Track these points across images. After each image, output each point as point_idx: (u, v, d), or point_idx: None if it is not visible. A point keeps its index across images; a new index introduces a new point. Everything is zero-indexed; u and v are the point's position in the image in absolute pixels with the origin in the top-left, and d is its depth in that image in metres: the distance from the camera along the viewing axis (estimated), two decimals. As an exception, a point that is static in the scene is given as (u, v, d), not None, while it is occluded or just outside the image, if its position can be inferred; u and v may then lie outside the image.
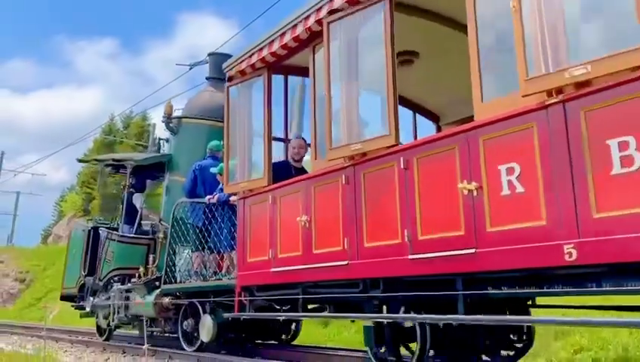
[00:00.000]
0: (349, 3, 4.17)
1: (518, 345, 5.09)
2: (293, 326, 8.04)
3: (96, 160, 10.79)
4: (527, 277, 3.09)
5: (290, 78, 5.89)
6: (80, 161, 11.03)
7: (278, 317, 5.03)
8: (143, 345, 4.60)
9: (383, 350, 4.32)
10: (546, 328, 5.94)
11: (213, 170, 6.95)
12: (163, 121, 8.93)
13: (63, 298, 12.01)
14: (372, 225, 3.88)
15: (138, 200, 9.63)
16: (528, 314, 4.55)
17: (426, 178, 3.53)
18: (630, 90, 2.56)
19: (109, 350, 7.81)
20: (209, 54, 9.60)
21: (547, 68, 2.85)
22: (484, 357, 4.48)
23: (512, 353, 4.51)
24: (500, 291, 3.22)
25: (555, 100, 2.84)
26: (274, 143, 5.47)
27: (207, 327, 6.75)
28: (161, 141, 9.87)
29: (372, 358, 4.39)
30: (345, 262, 4.02)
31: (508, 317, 4.11)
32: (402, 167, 3.67)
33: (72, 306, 11.32)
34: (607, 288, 2.73)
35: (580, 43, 2.79)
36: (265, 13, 9.71)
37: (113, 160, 10.03)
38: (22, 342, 9.95)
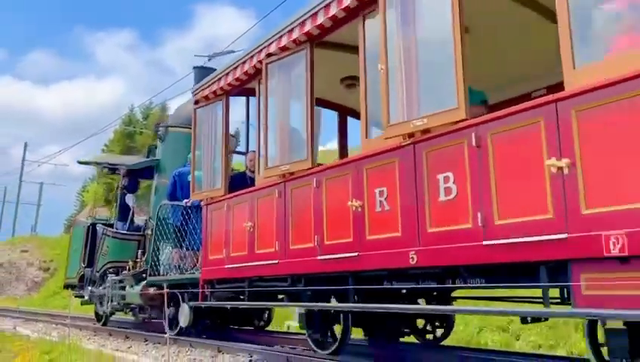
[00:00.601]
0: (281, 49, 5.10)
1: (439, 331, 6.09)
2: (265, 315, 9.08)
3: (95, 163, 11.81)
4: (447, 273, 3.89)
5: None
6: (80, 162, 11.95)
7: (226, 306, 6.00)
8: (138, 330, 5.65)
9: (313, 331, 5.32)
10: (566, 320, 6.41)
11: (189, 177, 7.93)
12: (154, 130, 9.90)
13: (66, 287, 13.19)
14: (295, 231, 4.84)
15: (130, 199, 10.67)
16: (450, 304, 5.46)
17: (332, 196, 4.47)
18: (450, 138, 3.49)
19: (131, 338, 7.95)
20: (194, 67, 10.53)
21: (403, 117, 3.77)
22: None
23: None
24: (381, 286, 4.16)
25: (407, 142, 3.77)
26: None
27: (184, 314, 7.75)
28: (152, 147, 10.83)
29: (309, 339, 5.39)
30: (275, 261, 4.98)
31: (409, 306, 5.04)
32: (314, 186, 4.62)
33: (73, 294, 12.47)
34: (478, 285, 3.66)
35: (424, 101, 3.70)
36: (282, 3, 10.07)
37: (108, 163, 11.08)
38: (47, 330, 10.04)
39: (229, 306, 6.18)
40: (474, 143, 3.36)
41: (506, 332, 7.59)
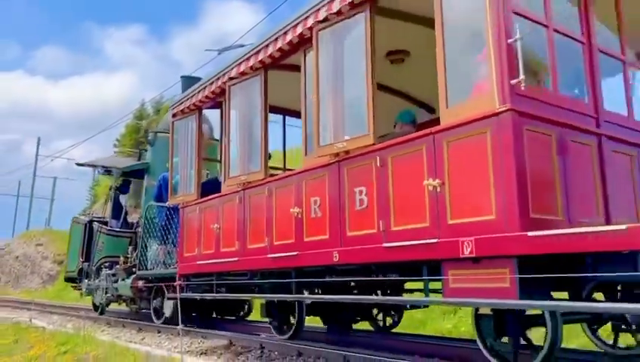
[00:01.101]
0: (241, 74, 5.86)
1: (390, 319, 6.88)
2: (246, 306, 9.91)
3: (90, 165, 12.64)
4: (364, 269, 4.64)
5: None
6: (78, 164, 12.77)
7: (195, 297, 6.80)
8: (133, 320, 6.42)
9: (273, 320, 6.12)
10: None
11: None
12: (144, 137, 10.68)
13: (67, 280, 14.10)
14: (252, 232, 5.61)
15: (123, 199, 11.51)
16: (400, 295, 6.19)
17: (280, 203, 5.24)
18: (363, 159, 4.26)
19: (144, 330, 8.06)
20: (181, 77, 11.29)
21: (330, 140, 4.53)
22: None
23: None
24: (314, 279, 4.94)
25: (334, 161, 4.53)
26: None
27: (168, 305, 8.61)
28: (142, 151, 11.64)
29: (271, 327, 6.20)
30: (236, 259, 5.77)
31: (357, 296, 5.80)
32: (267, 194, 5.40)
33: (72, 286, 13.35)
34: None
35: (345, 127, 4.46)
36: (289, -1, 10.51)
37: (103, 166, 11.91)
38: (62, 322, 10.25)
39: (198, 297, 6.93)
40: (379, 164, 4.12)
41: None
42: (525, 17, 3.55)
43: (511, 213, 3.18)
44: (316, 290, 5.70)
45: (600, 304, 3.55)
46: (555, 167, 3.44)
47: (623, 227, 2.66)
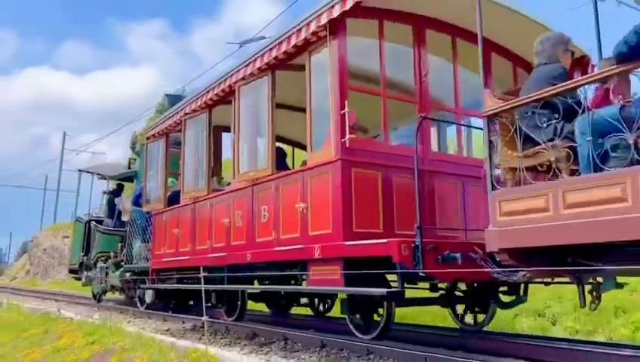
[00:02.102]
0: (194, 110, 7.44)
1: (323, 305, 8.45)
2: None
3: (89, 171, 14.37)
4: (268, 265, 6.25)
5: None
6: (79, 171, 14.45)
7: (159, 288, 8.44)
8: (121, 306, 7.98)
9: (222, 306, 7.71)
10: (606, 305, 5.96)
11: (152, 188, 10.38)
12: (131, 147, 12.33)
13: (70, 271, 15.89)
14: (199, 236, 7.21)
15: (117, 201, 13.21)
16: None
17: (217, 214, 6.83)
18: (265, 185, 5.83)
19: (169, 321, 8.23)
20: (166, 95, 12.89)
21: (247, 169, 6.11)
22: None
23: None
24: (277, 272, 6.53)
25: (250, 185, 6.10)
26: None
27: (148, 294, 10.26)
28: (131, 160, 13.31)
29: (222, 311, 7.80)
30: (189, 257, 7.37)
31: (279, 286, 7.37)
32: (209, 207, 7.00)
33: (73, 277, 15.11)
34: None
35: (256, 160, 6.02)
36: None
37: (98, 173, 13.64)
38: (89, 312, 10.35)
39: (162, 288, 8.58)
40: (274, 189, 5.69)
41: (543, 317, 7.33)
42: (360, 91, 5.10)
43: (338, 228, 4.74)
44: (254, 282, 7.27)
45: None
46: (379, 196, 4.96)
47: (384, 240, 4.22)
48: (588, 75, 3.40)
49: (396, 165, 5.09)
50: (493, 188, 3.64)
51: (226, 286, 6.54)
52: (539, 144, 3.48)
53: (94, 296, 13.52)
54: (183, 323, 7.97)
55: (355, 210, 4.81)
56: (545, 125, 3.38)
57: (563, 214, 3.17)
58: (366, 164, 4.94)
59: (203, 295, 5.54)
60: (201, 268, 5.71)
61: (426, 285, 5.70)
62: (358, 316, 5.11)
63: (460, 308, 6.30)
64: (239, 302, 7.27)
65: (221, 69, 7.08)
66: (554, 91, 3.31)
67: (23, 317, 9.74)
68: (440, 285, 5.86)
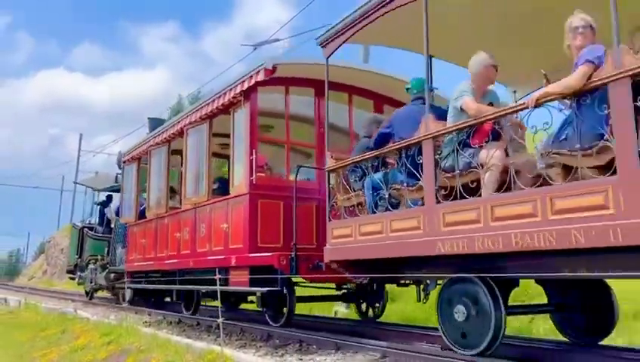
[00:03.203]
0: (157, 143, 9.18)
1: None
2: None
3: (83, 184, 16.21)
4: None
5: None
6: (74, 183, 16.30)
7: (130, 287, 10.20)
8: (115, 304, 9.66)
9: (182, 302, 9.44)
10: (624, 309, 5.63)
11: (131, 201, 12.14)
12: (117, 164, 14.07)
13: (67, 272, 17.71)
14: (160, 246, 8.95)
15: (106, 211, 14.99)
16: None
17: (172, 228, 8.56)
18: (203, 208, 7.55)
19: (184, 323, 8.22)
20: (148, 118, 14.59)
21: (191, 195, 7.85)
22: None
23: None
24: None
25: (193, 207, 7.84)
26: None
27: (128, 292, 12.03)
28: (118, 174, 15.07)
29: (182, 306, 9.53)
30: (152, 262, 9.12)
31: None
32: (166, 222, 8.73)
33: (69, 277, 16.94)
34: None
35: (197, 188, 7.75)
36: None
37: (90, 186, 15.48)
38: (105, 313, 10.33)
39: (132, 287, 10.34)
40: (209, 211, 7.43)
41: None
42: (268, 141, 6.83)
43: (246, 243, 6.46)
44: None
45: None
46: (280, 219, 6.65)
47: (269, 254, 5.95)
48: (367, 153, 5.05)
49: (301, 196, 6.79)
50: (329, 219, 5.36)
51: (161, 286, 8.30)
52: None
53: (86, 294, 15.29)
54: (198, 324, 7.85)
55: (260, 229, 6.53)
56: (356, 180, 5.11)
57: (360, 239, 4.89)
58: (270, 195, 6.65)
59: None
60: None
61: (332, 285, 7.42)
62: (270, 310, 6.83)
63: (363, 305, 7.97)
64: (194, 299, 9.01)
65: (238, 71, 7.95)
66: (359, 158, 5.04)
67: (41, 316, 9.84)
68: (345, 286, 7.55)
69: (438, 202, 4.13)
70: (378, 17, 4.96)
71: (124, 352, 5.60)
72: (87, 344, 6.39)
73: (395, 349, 4.64)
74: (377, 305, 7.73)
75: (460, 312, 4.18)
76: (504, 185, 3.65)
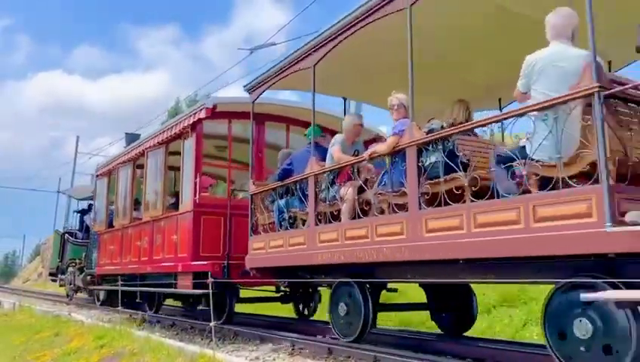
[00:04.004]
0: (123, 162, 10.43)
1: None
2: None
3: (64, 193, 17.41)
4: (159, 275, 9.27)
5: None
6: (57, 191, 17.54)
7: (100, 289, 11.43)
8: (98, 304, 10.85)
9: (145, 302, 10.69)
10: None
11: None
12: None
13: (50, 274, 18.89)
14: (125, 252, 10.20)
15: (86, 218, 16.20)
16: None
17: (134, 237, 9.81)
18: (156, 222, 8.82)
19: (177, 325, 8.33)
20: (125, 133, 15.82)
21: (150, 209, 9.11)
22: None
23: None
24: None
25: (151, 219, 9.10)
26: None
27: (101, 293, 13.25)
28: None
29: (146, 306, 10.79)
30: (119, 266, 10.37)
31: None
32: (129, 232, 9.99)
33: (51, 280, 18.13)
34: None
35: (156, 204, 9.01)
36: None
37: (70, 195, 16.68)
38: (99, 316, 10.41)
39: (102, 290, 11.57)
40: (162, 224, 8.70)
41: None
42: (210, 165, 8.11)
43: (190, 253, 7.73)
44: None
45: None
46: (221, 232, 7.92)
47: (205, 262, 7.22)
48: (275, 184, 6.37)
49: (234, 212, 8.07)
50: (251, 234, 6.66)
51: (126, 288, 9.55)
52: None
53: (67, 295, 16.48)
54: (192, 328, 8.03)
55: (202, 241, 7.79)
56: (269, 204, 6.41)
57: (269, 251, 6.19)
58: (211, 212, 7.92)
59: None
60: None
61: (272, 288, 8.69)
62: (216, 309, 8.08)
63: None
64: (156, 300, 10.26)
65: (234, 74, 9.59)
66: (269, 187, 6.35)
67: (35, 319, 9.91)
68: (282, 288, 8.83)
69: (316, 224, 5.45)
70: (290, 73, 6.29)
71: (117, 355, 5.65)
72: (80, 347, 6.43)
73: (301, 339, 5.72)
74: (311, 305, 9.06)
75: (342, 308, 5.47)
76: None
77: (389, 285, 7.33)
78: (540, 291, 6.45)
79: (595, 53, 2.99)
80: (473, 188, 3.73)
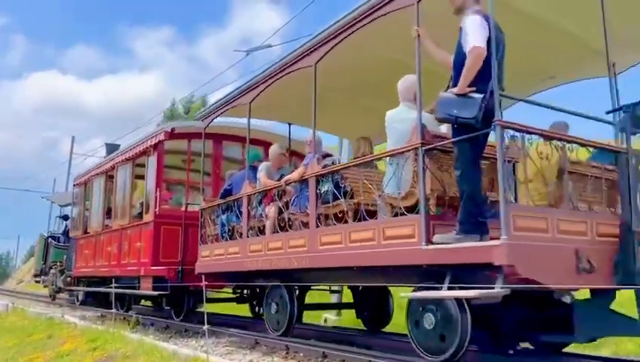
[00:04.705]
0: (97, 174, 11.37)
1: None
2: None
3: (48, 199, 18.31)
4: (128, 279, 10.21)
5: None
6: (42, 197, 18.42)
7: (81, 291, 12.36)
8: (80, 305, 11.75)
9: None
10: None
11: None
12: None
13: (34, 276, 19.76)
14: (98, 256, 11.13)
15: (67, 223, 17.08)
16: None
17: (106, 243, 10.74)
18: (124, 229, 9.77)
19: (172, 329, 8.31)
20: (105, 144, 16.70)
21: (119, 218, 10.05)
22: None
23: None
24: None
25: (120, 228, 10.04)
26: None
27: (81, 294, 14.16)
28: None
29: (119, 305, 11.73)
30: (93, 269, 11.30)
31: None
32: (103, 238, 10.92)
33: (35, 281, 19.01)
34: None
35: (125, 212, 9.95)
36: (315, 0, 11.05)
37: (52, 201, 17.56)
38: (93, 318, 10.45)
39: (80, 291, 12.49)
40: (129, 232, 9.65)
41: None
42: (170, 181, 9.07)
43: (151, 258, 8.67)
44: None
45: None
46: (179, 240, 8.87)
47: (163, 267, 8.18)
48: (218, 201, 7.36)
49: (190, 223, 9.01)
50: (200, 243, 7.64)
51: (99, 289, 10.48)
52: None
53: (50, 295, 17.36)
54: (186, 330, 7.94)
55: (162, 248, 8.74)
56: (214, 218, 7.39)
57: (213, 258, 7.16)
58: (170, 222, 8.87)
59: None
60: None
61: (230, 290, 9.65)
62: (176, 308, 9.05)
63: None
64: (126, 300, 11.19)
65: (230, 76, 10.17)
66: (214, 204, 7.33)
67: (28, 321, 9.83)
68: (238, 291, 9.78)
69: (248, 236, 6.44)
70: (233, 107, 7.29)
71: (110, 358, 5.61)
72: (73, 350, 6.37)
73: (247, 336, 6.42)
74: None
75: (273, 307, 6.44)
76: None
77: (333, 287, 8.43)
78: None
79: (420, 117, 4.00)
80: (349, 213, 4.74)
